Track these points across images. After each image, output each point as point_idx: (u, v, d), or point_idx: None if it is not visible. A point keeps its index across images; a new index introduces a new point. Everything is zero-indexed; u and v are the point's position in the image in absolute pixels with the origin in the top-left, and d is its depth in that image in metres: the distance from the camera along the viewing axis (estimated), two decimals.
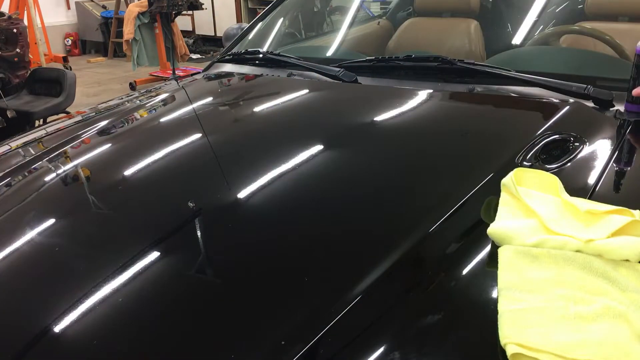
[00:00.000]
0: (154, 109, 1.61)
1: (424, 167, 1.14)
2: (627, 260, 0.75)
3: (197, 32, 8.61)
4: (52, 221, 1.01)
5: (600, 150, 1.07)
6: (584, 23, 1.76)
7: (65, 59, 6.68)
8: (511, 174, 0.91)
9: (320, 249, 0.87)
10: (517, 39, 1.80)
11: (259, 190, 1.02)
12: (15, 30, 4.02)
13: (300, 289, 0.77)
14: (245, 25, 2.21)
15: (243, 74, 1.82)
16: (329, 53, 2.03)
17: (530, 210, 0.85)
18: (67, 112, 3.98)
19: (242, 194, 1.02)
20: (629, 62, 1.49)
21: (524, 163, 1.02)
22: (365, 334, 0.69)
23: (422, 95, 1.39)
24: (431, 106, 1.27)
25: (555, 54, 1.70)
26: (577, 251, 0.77)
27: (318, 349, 0.65)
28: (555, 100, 1.30)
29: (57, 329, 0.73)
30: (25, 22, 4.99)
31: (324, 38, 2.57)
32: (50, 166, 1.26)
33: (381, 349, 0.65)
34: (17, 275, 0.87)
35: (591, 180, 0.98)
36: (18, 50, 4.03)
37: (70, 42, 8.39)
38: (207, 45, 8.50)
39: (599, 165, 1.02)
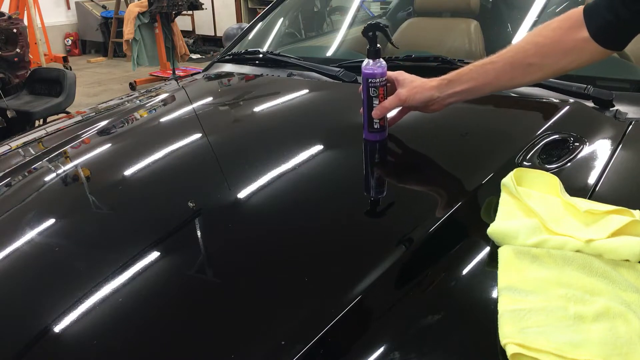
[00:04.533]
0: (154, 109, 1.61)
1: (424, 167, 1.14)
2: (627, 260, 0.75)
3: (197, 32, 8.61)
4: (52, 221, 1.01)
5: (600, 150, 1.07)
6: None
7: (65, 59, 6.68)
8: (511, 174, 0.91)
9: (320, 248, 0.87)
10: (517, 39, 1.79)
11: (259, 191, 1.02)
12: (15, 30, 4.02)
13: (301, 288, 0.77)
14: (245, 25, 2.20)
15: (243, 74, 1.81)
16: (329, 53, 2.03)
17: (530, 210, 0.85)
18: (67, 112, 3.98)
19: (243, 194, 1.02)
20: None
21: (524, 163, 1.02)
22: (365, 334, 0.69)
23: None
24: None
25: None
26: (577, 251, 0.77)
27: (318, 349, 0.65)
28: (555, 100, 1.30)
29: (57, 328, 0.73)
30: (25, 22, 5.00)
31: (324, 38, 2.57)
32: (50, 166, 1.26)
33: (381, 349, 0.65)
34: (17, 275, 0.87)
35: (591, 180, 0.98)
36: (18, 50, 4.03)
37: (70, 42, 8.39)
38: (207, 45, 8.50)
39: (599, 165, 1.02)
